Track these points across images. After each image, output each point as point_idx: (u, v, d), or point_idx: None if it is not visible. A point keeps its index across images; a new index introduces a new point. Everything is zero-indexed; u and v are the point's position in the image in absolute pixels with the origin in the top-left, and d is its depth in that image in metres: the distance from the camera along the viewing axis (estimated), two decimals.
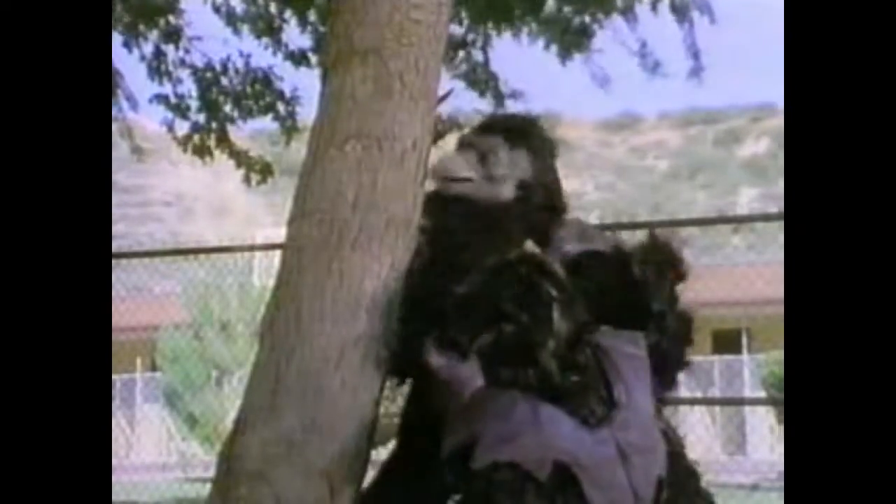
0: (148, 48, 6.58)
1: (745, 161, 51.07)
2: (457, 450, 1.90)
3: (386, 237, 2.17)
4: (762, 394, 13.89)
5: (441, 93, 2.44)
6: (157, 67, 6.61)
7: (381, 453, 2.28)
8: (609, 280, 2.06)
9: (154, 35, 6.57)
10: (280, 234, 2.39)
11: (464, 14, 6.03)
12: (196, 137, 6.71)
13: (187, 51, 6.68)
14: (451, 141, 2.41)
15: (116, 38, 6.23)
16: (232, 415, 2.30)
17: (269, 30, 6.55)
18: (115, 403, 14.59)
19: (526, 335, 1.89)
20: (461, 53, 6.28)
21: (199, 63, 6.68)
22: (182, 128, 6.72)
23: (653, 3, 6.01)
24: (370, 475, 2.18)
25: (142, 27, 6.46)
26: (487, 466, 1.84)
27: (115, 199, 4.22)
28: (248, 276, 12.31)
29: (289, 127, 6.63)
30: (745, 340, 16.32)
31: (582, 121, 50.89)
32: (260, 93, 6.66)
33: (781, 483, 8.67)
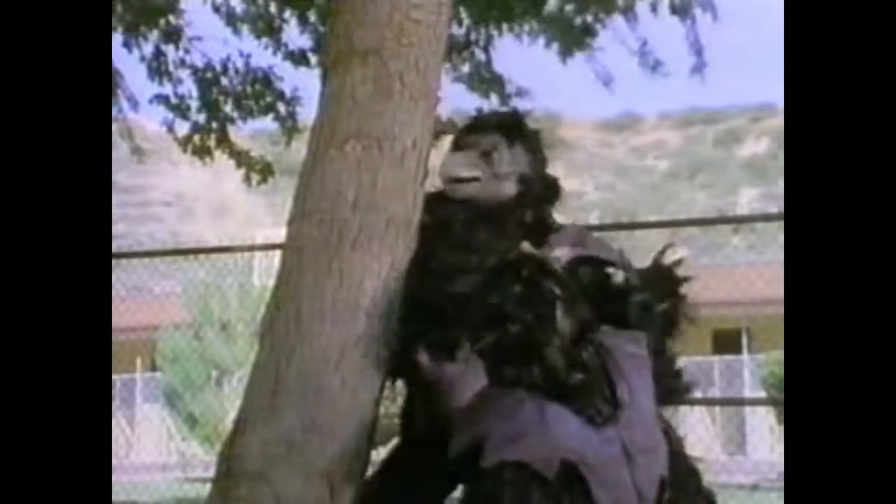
0: (148, 48, 6.57)
1: (745, 161, 51.06)
2: (465, 449, 1.90)
3: (386, 237, 2.17)
4: (762, 394, 13.88)
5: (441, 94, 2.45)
6: (157, 67, 6.60)
7: (382, 453, 2.28)
8: (601, 283, 2.08)
9: (154, 35, 6.56)
10: (280, 234, 2.39)
11: (464, 14, 6.03)
12: (196, 138, 6.71)
13: (187, 51, 6.67)
14: (446, 141, 2.42)
15: (116, 38, 6.23)
16: (232, 415, 2.30)
17: (268, 30, 6.55)
18: (115, 403, 14.58)
19: (531, 333, 1.89)
20: (465, 53, 6.27)
21: (200, 63, 6.68)
22: (182, 128, 6.72)
23: (652, 4, 6.01)
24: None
25: (142, 27, 6.45)
26: (495, 465, 1.84)
27: (115, 199, 4.22)
28: (248, 276, 12.30)
29: (289, 127, 6.63)
30: (745, 340, 16.32)
31: (582, 121, 50.87)
32: (260, 93, 6.65)
33: (781, 483, 8.67)
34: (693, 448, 2.15)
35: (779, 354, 11.60)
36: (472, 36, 6.27)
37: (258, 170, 6.83)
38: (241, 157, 6.81)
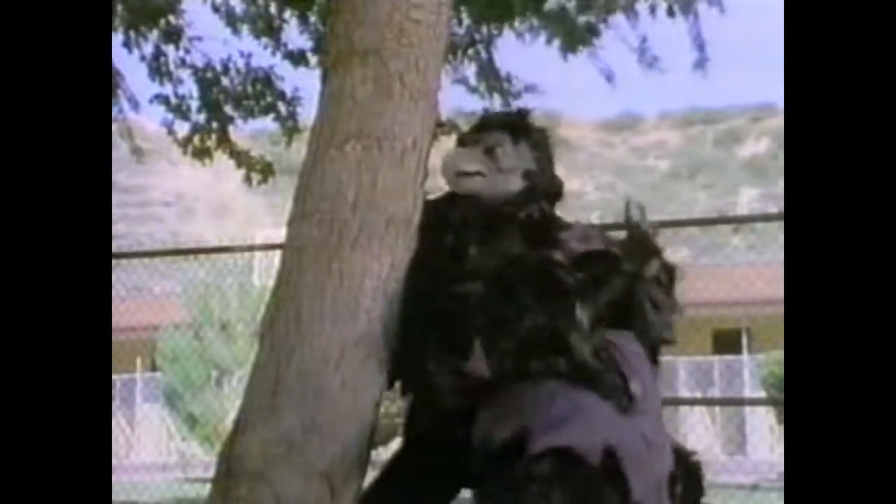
0: (148, 48, 6.57)
1: (745, 161, 51.06)
2: (508, 442, 1.90)
3: (386, 237, 2.17)
4: (762, 394, 13.88)
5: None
6: (157, 67, 6.60)
7: (382, 453, 2.28)
8: (608, 277, 2.08)
9: (154, 35, 6.56)
10: (280, 234, 2.39)
11: (464, 14, 6.03)
12: (196, 139, 6.71)
13: (187, 51, 6.67)
14: (446, 142, 2.42)
15: (116, 39, 6.23)
16: (232, 415, 2.30)
17: (268, 30, 6.55)
18: (115, 403, 14.58)
19: (555, 324, 1.90)
20: (470, 52, 6.27)
21: (200, 63, 6.68)
22: (182, 128, 6.72)
23: (651, 6, 6.01)
24: (370, 475, 2.18)
25: (142, 27, 6.45)
26: (543, 451, 1.84)
27: (115, 199, 4.22)
28: (248, 276, 12.30)
29: (289, 127, 6.63)
30: (745, 340, 16.31)
31: (582, 121, 50.91)
32: (261, 93, 6.65)
33: (781, 483, 8.66)
34: (693, 448, 2.16)
35: (779, 354, 11.59)
36: (475, 36, 6.28)
37: (258, 170, 6.83)
38: (241, 157, 6.81)
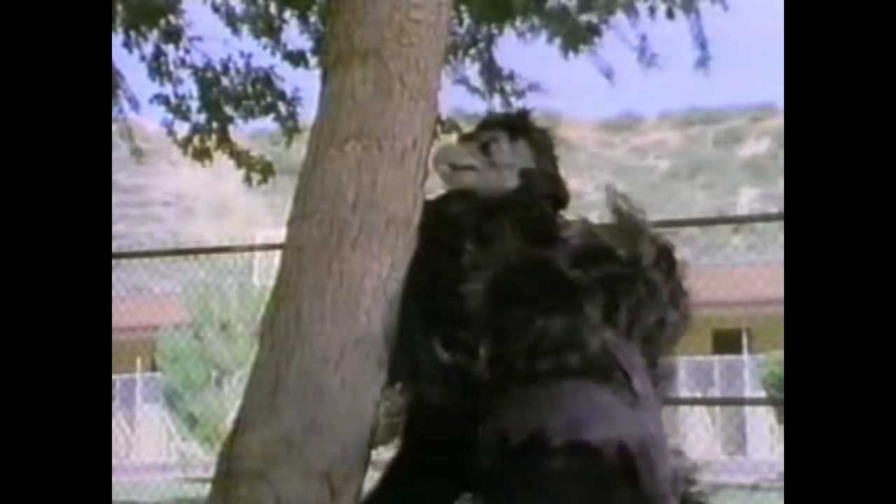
0: (148, 48, 6.58)
1: (745, 161, 51.09)
2: (526, 440, 1.89)
3: (386, 237, 2.17)
4: (762, 394, 13.90)
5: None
6: (157, 67, 6.61)
7: (382, 453, 2.27)
8: (611, 270, 2.08)
9: (154, 35, 6.56)
10: (280, 234, 2.39)
11: (465, 14, 6.03)
12: (196, 139, 6.71)
13: (187, 51, 6.68)
14: (446, 141, 2.42)
15: (116, 39, 6.23)
16: (232, 415, 2.30)
17: (268, 30, 6.55)
18: (115, 403, 14.60)
19: (567, 321, 1.91)
20: (472, 51, 6.28)
21: (200, 63, 6.69)
22: (182, 129, 6.72)
23: (651, 7, 6.01)
24: (371, 476, 2.18)
25: (142, 27, 6.45)
26: (563, 446, 1.84)
27: (115, 199, 4.23)
28: (248, 276, 12.31)
29: (290, 127, 6.63)
30: (745, 340, 16.33)
31: (582, 121, 50.93)
32: (261, 93, 6.66)
33: (781, 483, 8.67)
34: (693, 448, 2.16)
35: (779, 354, 11.61)
36: (476, 35, 6.28)
37: (258, 170, 6.84)
38: (241, 157, 6.82)
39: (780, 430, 13.88)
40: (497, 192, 2.20)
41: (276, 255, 2.47)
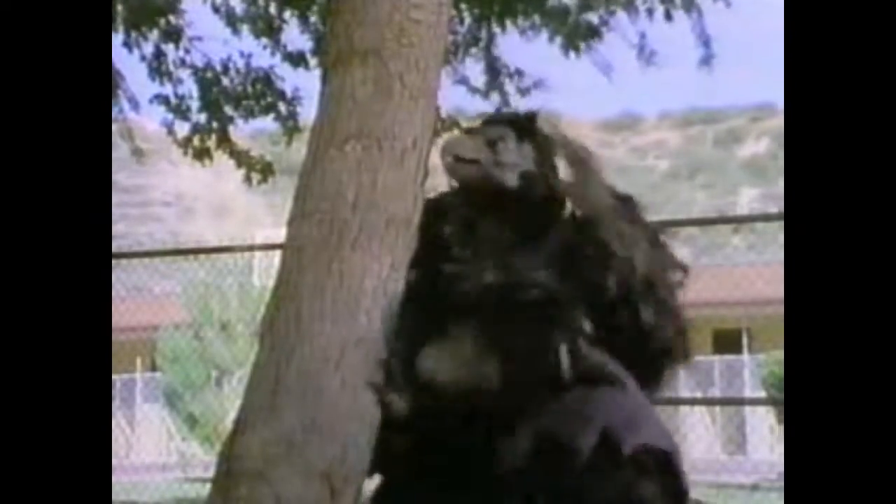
0: (148, 48, 6.59)
1: (745, 161, 51.09)
2: (597, 445, 1.89)
3: (386, 237, 2.16)
4: (762, 394, 13.89)
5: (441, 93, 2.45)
6: (157, 67, 6.61)
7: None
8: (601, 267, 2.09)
9: (154, 35, 6.57)
10: (280, 234, 2.39)
11: (465, 13, 6.04)
12: (196, 139, 6.72)
13: (188, 51, 6.69)
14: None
15: (116, 39, 6.23)
16: (232, 415, 2.29)
17: (268, 30, 6.56)
18: (115, 403, 14.59)
19: (569, 335, 1.93)
20: (472, 51, 6.28)
21: (200, 63, 6.69)
22: (182, 128, 6.73)
23: (649, 9, 6.02)
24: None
25: (142, 27, 6.46)
26: (635, 450, 1.85)
27: (115, 199, 4.22)
28: (248, 276, 12.31)
29: (290, 127, 6.63)
30: (745, 340, 16.32)
31: (582, 121, 50.89)
32: (261, 93, 6.66)
33: (781, 483, 8.67)
34: (693, 448, 2.17)
35: (779, 354, 11.61)
36: (476, 34, 6.28)
37: (258, 170, 6.84)
38: (241, 157, 6.82)
39: (780, 430, 13.88)
40: (495, 189, 2.20)
41: (276, 255, 2.47)
